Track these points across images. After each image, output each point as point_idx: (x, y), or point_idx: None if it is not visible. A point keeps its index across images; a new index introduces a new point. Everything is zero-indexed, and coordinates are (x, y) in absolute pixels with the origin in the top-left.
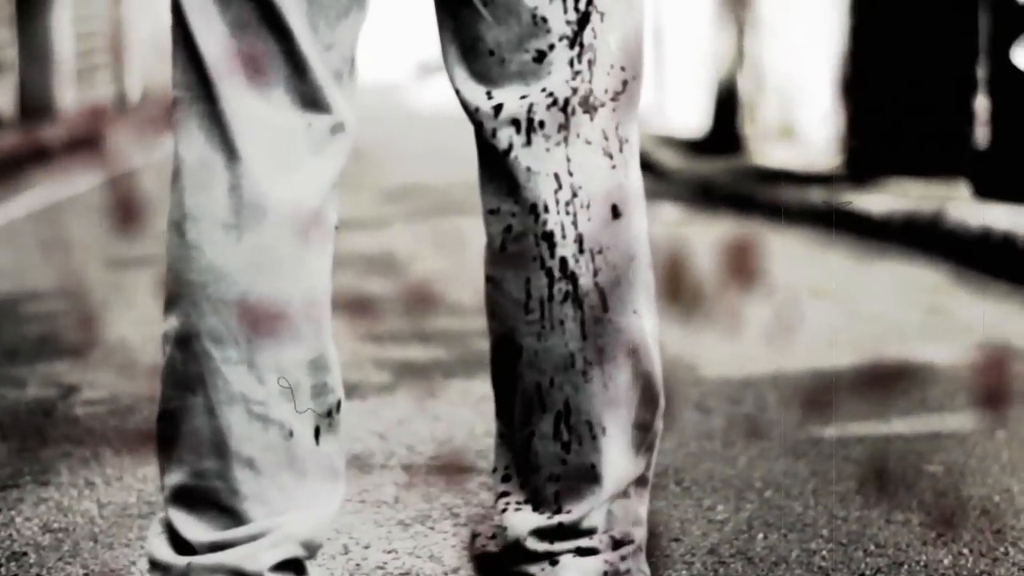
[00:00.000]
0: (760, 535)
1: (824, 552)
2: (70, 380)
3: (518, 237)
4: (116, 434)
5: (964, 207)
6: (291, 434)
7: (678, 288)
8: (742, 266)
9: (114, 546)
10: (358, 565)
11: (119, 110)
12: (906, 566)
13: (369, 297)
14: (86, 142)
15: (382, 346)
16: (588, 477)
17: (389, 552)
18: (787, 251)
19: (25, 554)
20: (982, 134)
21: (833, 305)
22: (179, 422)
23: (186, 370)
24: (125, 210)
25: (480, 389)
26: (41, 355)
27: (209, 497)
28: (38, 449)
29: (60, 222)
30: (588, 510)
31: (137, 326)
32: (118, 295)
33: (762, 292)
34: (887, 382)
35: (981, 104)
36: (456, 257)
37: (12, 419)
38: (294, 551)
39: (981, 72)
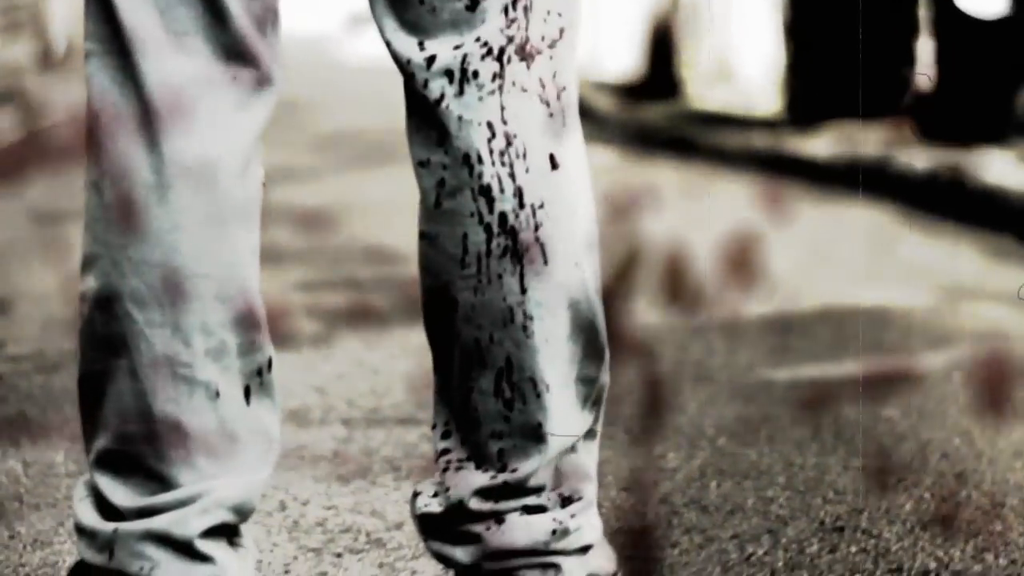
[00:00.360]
0: (714, 483)
1: (781, 500)
2: None
3: (453, 192)
4: (42, 391)
5: (910, 149)
6: (218, 395)
7: (619, 236)
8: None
9: (40, 507)
10: (296, 522)
11: (44, 65)
12: (866, 513)
13: (301, 247)
14: (7, 97)
15: (316, 297)
16: (533, 435)
17: (329, 508)
18: (729, 196)
19: None
20: (926, 76)
21: (780, 249)
22: (102, 385)
23: (107, 332)
24: (49, 163)
25: (419, 339)
26: None
27: (135, 462)
28: None
29: None
30: (534, 468)
31: (63, 280)
32: (43, 248)
33: (707, 238)
34: (839, 325)
35: (924, 46)
36: (390, 205)
37: None
38: (224, 517)
39: (923, 13)
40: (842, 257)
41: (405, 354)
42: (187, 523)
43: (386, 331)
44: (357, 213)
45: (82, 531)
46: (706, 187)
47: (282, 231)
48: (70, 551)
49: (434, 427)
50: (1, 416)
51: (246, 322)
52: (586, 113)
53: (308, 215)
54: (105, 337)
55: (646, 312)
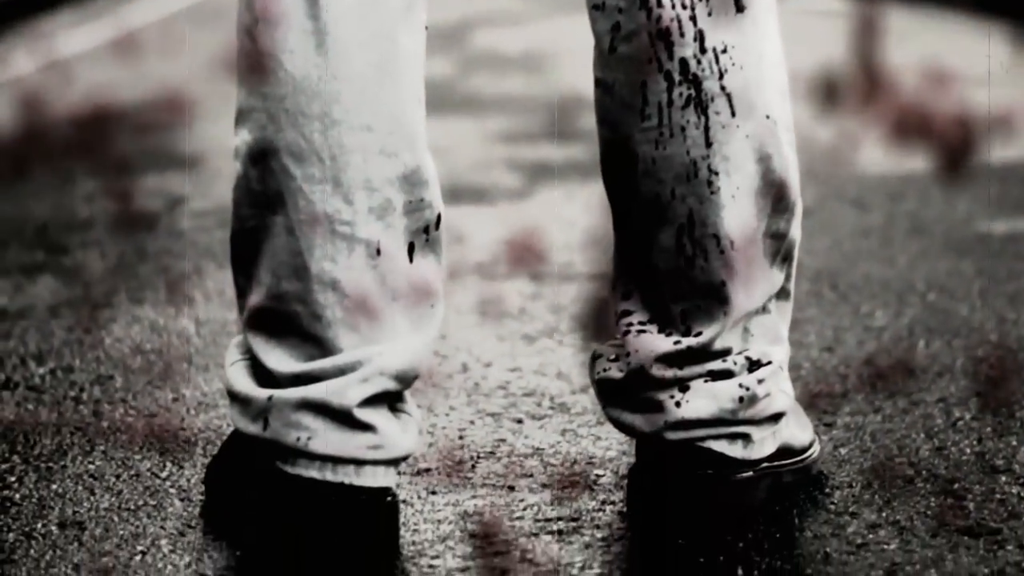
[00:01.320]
0: (922, 342)
1: (992, 360)
2: (178, 191)
3: (628, 36)
4: (221, 246)
5: None
6: (379, 252)
7: (827, 82)
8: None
9: (210, 368)
10: (477, 384)
11: None
12: None
13: (503, 95)
14: None
15: (516, 147)
16: (718, 296)
17: (513, 370)
18: (943, 39)
19: (112, 377)
20: None
21: (1001, 93)
22: (256, 242)
23: (263, 188)
24: None
25: None
26: (151, 167)
27: (290, 322)
28: (136, 265)
29: (177, 31)
30: (719, 331)
31: None
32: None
33: (919, 79)
34: None
35: None
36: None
37: (111, 234)
38: (385, 385)
39: None
40: None
41: (605, 206)
42: (346, 392)
43: (587, 183)
44: (563, 60)
45: (235, 398)
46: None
47: (485, 79)
48: None
49: (614, 287)
50: (177, 273)
51: (413, 178)
52: None
53: (512, 62)
54: (260, 193)
55: (859, 160)
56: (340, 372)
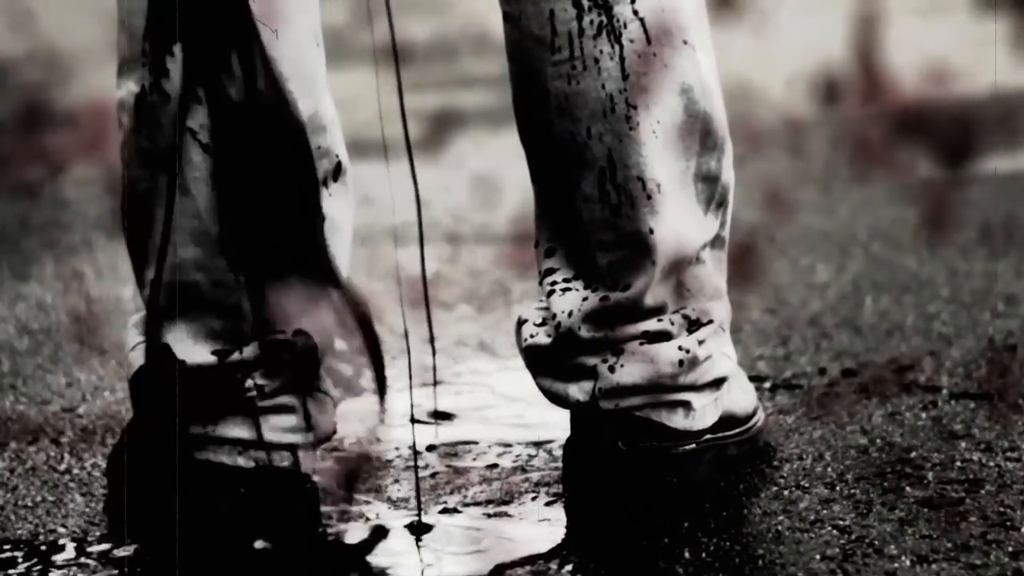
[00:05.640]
0: (868, 299)
1: (944, 316)
2: (60, 156)
3: None
4: (112, 216)
5: None
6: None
7: None
8: None
9: (105, 347)
10: (394, 358)
11: None
12: None
13: (404, 40)
14: None
15: (421, 96)
16: (645, 244)
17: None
18: None
19: None
20: None
21: (945, 31)
22: (150, 206)
23: (153, 145)
24: None
25: None
26: (30, 129)
27: (190, 294)
28: (19, 239)
29: None
30: (648, 282)
31: None
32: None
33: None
34: (1013, 111)
35: None
36: None
37: None
38: (295, 369)
39: None
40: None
41: (521, 157)
42: (255, 375)
43: (500, 133)
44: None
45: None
46: None
47: (383, 24)
48: None
49: (536, 244)
50: (64, 247)
51: (311, 124)
52: None
53: (413, 4)
54: (150, 151)
55: (791, 101)
56: (248, 353)
